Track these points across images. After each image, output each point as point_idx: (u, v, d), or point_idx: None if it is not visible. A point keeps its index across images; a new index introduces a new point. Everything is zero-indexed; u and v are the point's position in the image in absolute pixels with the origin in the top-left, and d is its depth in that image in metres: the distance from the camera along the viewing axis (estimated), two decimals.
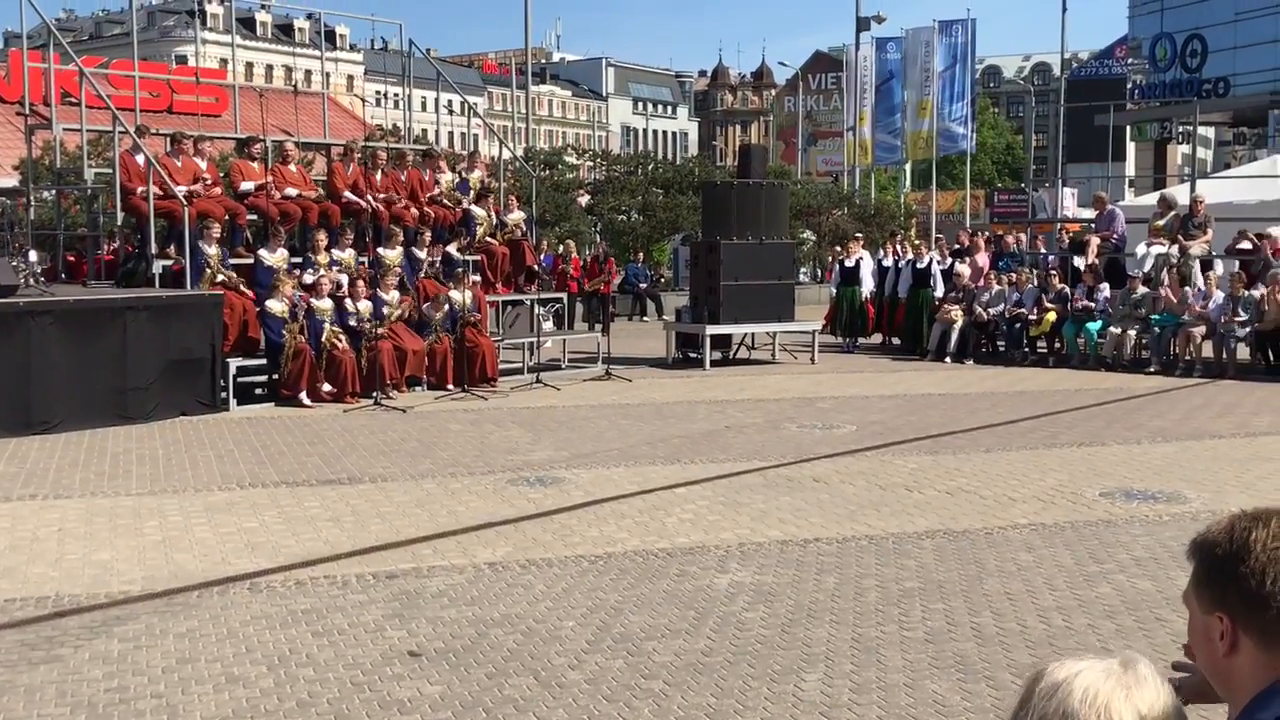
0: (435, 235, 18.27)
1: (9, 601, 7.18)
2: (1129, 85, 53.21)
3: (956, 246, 23.20)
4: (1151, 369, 18.51)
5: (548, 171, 37.46)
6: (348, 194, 17.78)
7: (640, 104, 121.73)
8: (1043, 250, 23.52)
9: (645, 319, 30.57)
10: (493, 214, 19.56)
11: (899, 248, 24.00)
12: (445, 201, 19.09)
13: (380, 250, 17.37)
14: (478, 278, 18.37)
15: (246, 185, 17.02)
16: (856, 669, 6.07)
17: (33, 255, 15.75)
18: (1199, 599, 1.93)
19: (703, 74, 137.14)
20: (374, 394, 15.35)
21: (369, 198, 17.87)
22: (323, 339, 15.42)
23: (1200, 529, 2.00)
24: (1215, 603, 1.89)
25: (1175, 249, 20.17)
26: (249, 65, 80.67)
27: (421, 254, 17.62)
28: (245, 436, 13.05)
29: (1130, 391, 16.45)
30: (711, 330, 19.67)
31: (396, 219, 18.00)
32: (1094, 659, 1.77)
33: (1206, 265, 19.68)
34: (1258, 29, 48.92)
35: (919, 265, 22.16)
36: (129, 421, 13.65)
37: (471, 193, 19.62)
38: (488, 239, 19.19)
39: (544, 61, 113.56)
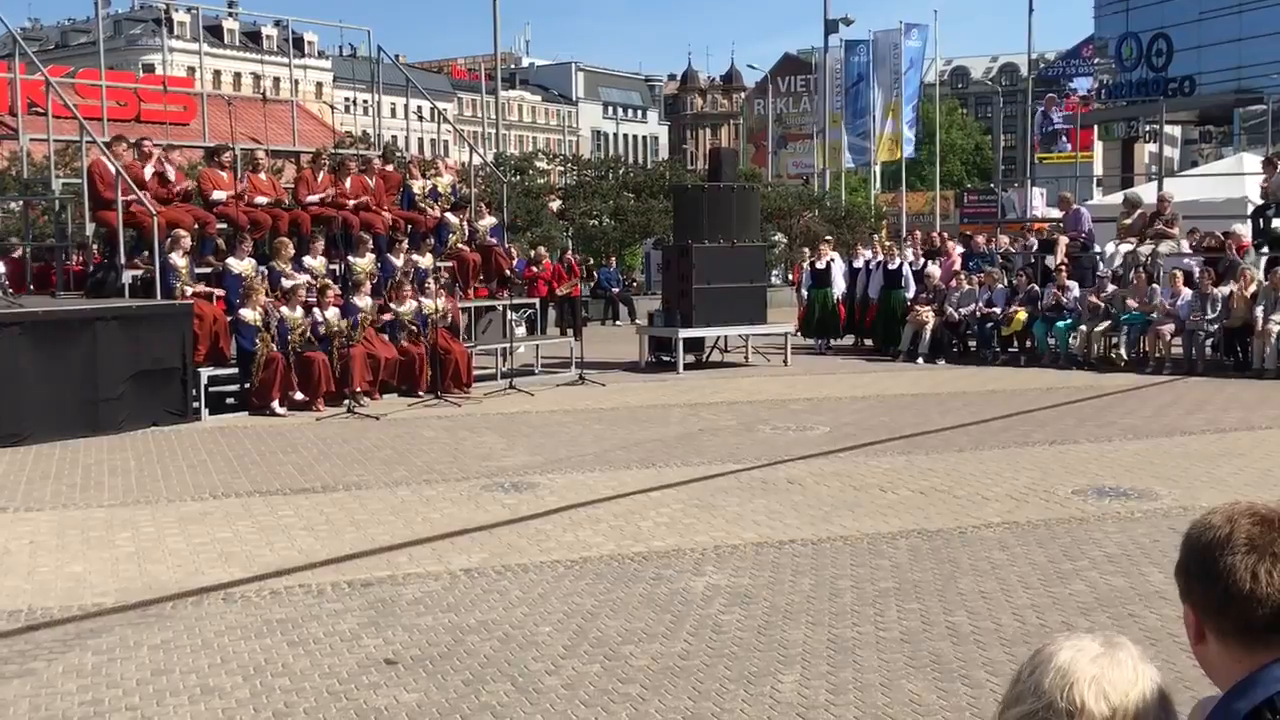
0: (410, 241, 18.25)
1: None
2: (1095, 84, 53.62)
3: (926, 248, 23.31)
4: (1123, 367, 18.62)
5: (518, 177, 37.46)
6: (310, 197, 17.70)
7: (610, 108, 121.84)
8: (1013, 249, 23.65)
9: (618, 323, 30.59)
10: (465, 222, 19.56)
11: (872, 249, 24.09)
12: (421, 206, 19.08)
13: (351, 258, 17.32)
14: (440, 300, 18.31)
15: (218, 194, 16.94)
16: (833, 670, 6.09)
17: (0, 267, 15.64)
18: (1177, 584, 1.98)
19: (672, 78, 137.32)
20: (346, 401, 15.31)
21: (336, 202, 17.79)
22: (289, 339, 15.32)
23: (1174, 525, 2.05)
24: (1184, 595, 1.96)
25: (1143, 247, 20.33)
26: (217, 73, 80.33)
27: (397, 261, 17.57)
28: (218, 446, 12.99)
29: (1101, 390, 16.55)
30: (684, 334, 19.70)
31: (367, 226, 17.95)
32: (1091, 639, 1.80)
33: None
34: (1222, 28, 49.41)
35: (890, 267, 22.24)
36: (100, 433, 13.56)
37: (441, 198, 19.59)
38: (459, 246, 19.17)
39: (513, 66, 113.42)
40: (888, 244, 25.54)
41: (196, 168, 19.99)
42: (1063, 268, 20.33)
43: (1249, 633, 1.86)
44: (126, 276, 15.51)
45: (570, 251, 32.22)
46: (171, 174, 16.67)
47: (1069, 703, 1.72)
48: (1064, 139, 57.66)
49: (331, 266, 17.20)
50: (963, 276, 21.17)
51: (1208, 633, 1.91)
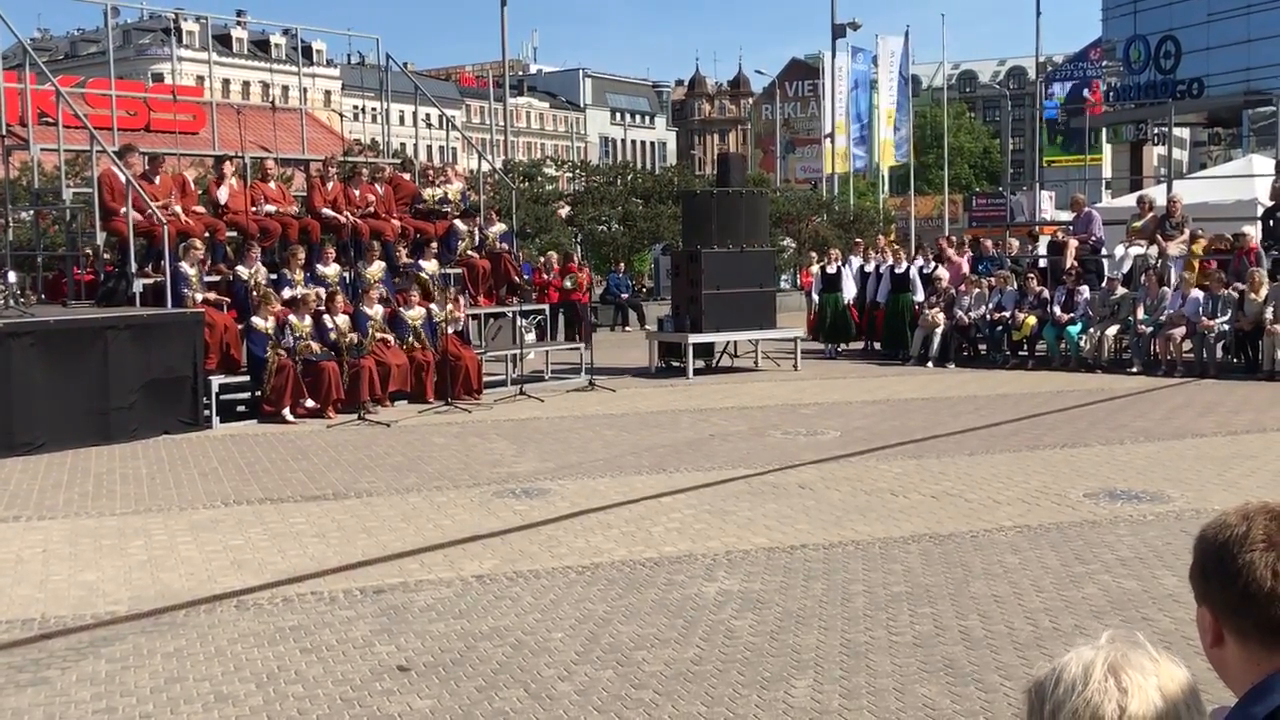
0: (414, 248, 18.31)
1: None
2: (1104, 87, 53.54)
3: (939, 252, 23.30)
4: (1134, 370, 18.60)
5: (527, 184, 37.48)
6: (326, 210, 17.78)
7: (618, 114, 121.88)
8: (1025, 253, 23.62)
9: (627, 329, 30.57)
10: (474, 229, 19.59)
11: (881, 253, 24.02)
12: (424, 208, 19.12)
13: (359, 265, 17.38)
14: (449, 306, 18.33)
15: (222, 192, 16.96)
16: (846, 674, 6.08)
17: (12, 276, 15.68)
18: (1192, 588, 1.96)
19: (680, 84, 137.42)
20: (357, 408, 15.33)
21: (347, 213, 17.89)
22: (297, 348, 15.34)
23: (1186, 528, 2.02)
24: (1200, 596, 1.93)
25: (1153, 250, 20.29)
26: (225, 82, 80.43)
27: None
28: (229, 454, 13.01)
29: (1112, 392, 16.52)
30: (694, 339, 19.68)
31: (376, 233, 17.99)
32: (1079, 650, 1.77)
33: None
34: (1230, 30, 49.30)
35: (897, 270, 22.24)
36: (112, 441, 13.60)
37: (450, 205, 19.62)
38: (469, 253, 19.21)
39: (521, 74, 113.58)
40: (895, 247, 25.53)
41: (206, 178, 20.05)
42: (1073, 270, 20.29)
43: (1269, 632, 1.84)
44: (137, 285, 15.55)
45: (578, 257, 32.20)
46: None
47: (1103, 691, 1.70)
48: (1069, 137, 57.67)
49: (344, 274, 17.25)
50: (972, 280, 21.14)
51: (1226, 634, 1.89)
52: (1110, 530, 8.87)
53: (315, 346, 15.52)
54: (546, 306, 22.62)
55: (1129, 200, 26.10)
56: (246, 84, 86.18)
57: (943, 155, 63.00)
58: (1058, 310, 19.74)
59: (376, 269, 17.33)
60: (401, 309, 16.89)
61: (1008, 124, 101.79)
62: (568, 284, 26.13)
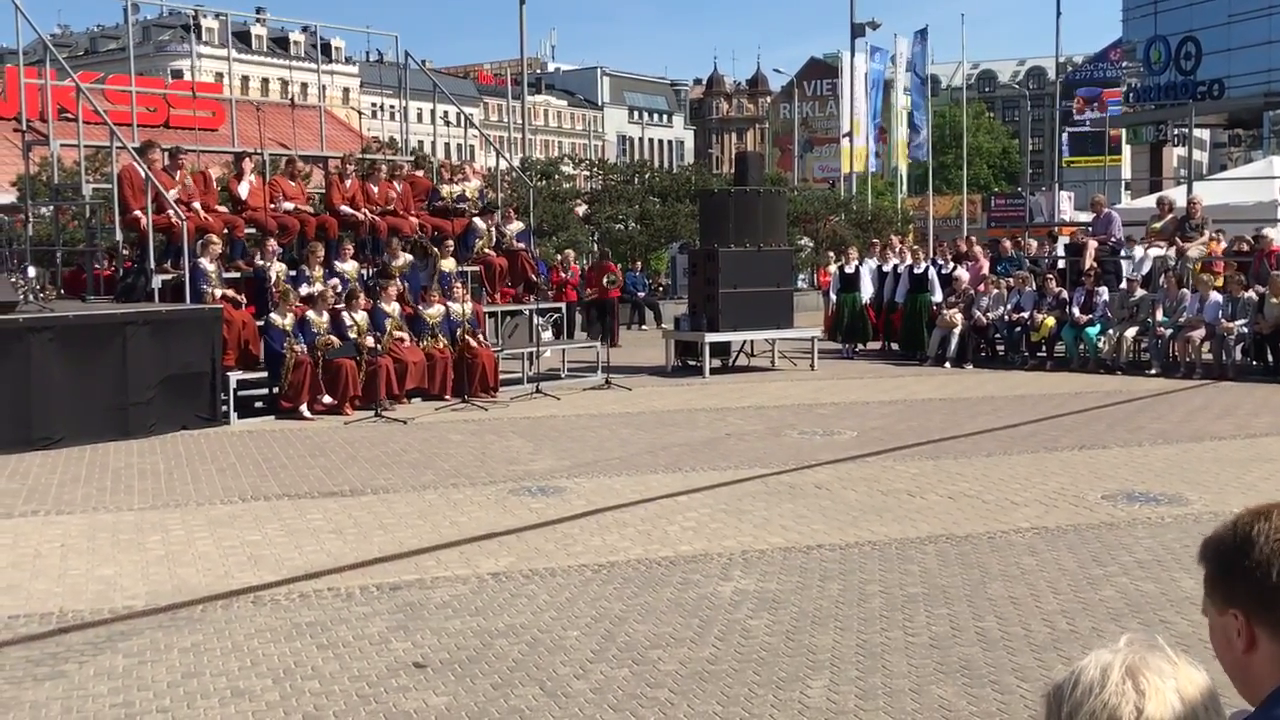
0: (434, 244, 18.37)
1: (13, 618, 7.17)
2: (1124, 88, 53.33)
3: (957, 251, 23.24)
4: (1152, 371, 18.53)
5: (544, 182, 37.50)
6: (345, 208, 17.82)
7: (636, 113, 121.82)
8: (1044, 254, 23.54)
9: (644, 328, 30.55)
10: (492, 227, 19.61)
11: (899, 254, 23.95)
12: (442, 205, 19.16)
13: (384, 259, 17.44)
14: (467, 304, 18.35)
15: (242, 188, 17.04)
16: (862, 675, 6.07)
17: (31, 271, 15.74)
18: (1212, 599, 1.92)
19: (698, 82, 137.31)
20: (374, 406, 15.36)
21: (365, 210, 17.95)
22: (316, 343, 15.37)
23: (1205, 531, 1.99)
24: (1227, 600, 1.89)
25: (1173, 251, 20.21)
26: (245, 79, 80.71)
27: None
28: (246, 450, 13.05)
29: (1130, 394, 16.46)
30: (711, 338, 19.67)
31: (395, 230, 18.03)
32: (1099, 653, 1.76)
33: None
34: (1251, 31, 49.02)
35: (916, 271, 22.19)
36: (130, 436, 13.65)
37: (468, 203, 19.65)
38: (486, 251, 19.23)
39: (539, 72, 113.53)
40: (914, 248, 25.47)
41: (227, 175, 20.11)
42: (1092, 271, 20.22)
43: None
44: (156, 281, 15.61)
45: (601, 249, 32.18)
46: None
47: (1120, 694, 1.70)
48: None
49: (362, 271, 17.29)
50: (991, 280, 21.09)
51: (1259, 634, 1.84)
52: (1128, 532, 8.84)
53: (335, 341, 15.55)
54: (564, 305, 22.61)
55: (1149, 201, 26.03)
56: (265, 81, 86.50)
57: (962, 155, 62.85)
58: (1076, 311, 19.68)
59: (402, 263, 17.39)
60: (421, 307, 16.92)
61: (1027, 124, 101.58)
62: (606, 282, 26.09)
